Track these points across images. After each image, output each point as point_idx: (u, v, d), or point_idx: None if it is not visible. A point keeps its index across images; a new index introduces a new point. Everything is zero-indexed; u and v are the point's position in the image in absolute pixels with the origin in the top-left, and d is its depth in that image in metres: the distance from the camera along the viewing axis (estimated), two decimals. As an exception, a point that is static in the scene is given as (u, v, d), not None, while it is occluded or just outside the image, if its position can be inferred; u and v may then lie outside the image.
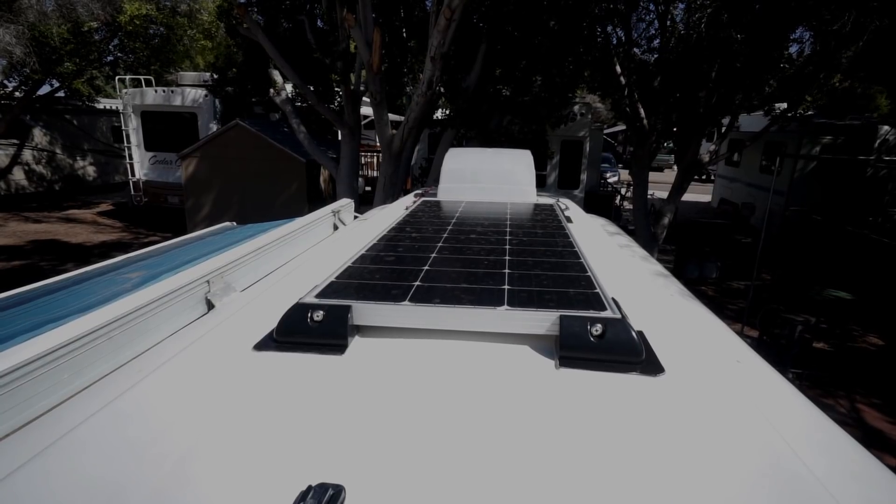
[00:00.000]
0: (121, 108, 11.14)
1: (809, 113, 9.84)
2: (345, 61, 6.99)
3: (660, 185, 14.26)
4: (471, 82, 6.73)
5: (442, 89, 6.91)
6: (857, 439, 0.76)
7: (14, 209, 12.27)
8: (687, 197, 10.60)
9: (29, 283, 1.60)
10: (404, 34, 7.90)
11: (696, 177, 9.27)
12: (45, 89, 12.52)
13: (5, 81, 12.03)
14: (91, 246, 9.57)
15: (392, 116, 8.38)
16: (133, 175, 11.20)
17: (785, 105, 7.94)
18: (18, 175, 13.54)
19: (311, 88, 7.34)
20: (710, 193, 16.62)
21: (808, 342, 5.24)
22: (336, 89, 8.76)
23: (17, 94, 12.09)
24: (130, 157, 11.12)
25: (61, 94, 13.45)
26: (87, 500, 0.58)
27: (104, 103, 15.86)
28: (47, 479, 0.62)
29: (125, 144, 11.08)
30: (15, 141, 13.17)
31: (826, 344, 6.04)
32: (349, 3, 6.19)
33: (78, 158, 14.95)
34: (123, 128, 11.03)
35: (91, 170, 15.39)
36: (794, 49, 7.65)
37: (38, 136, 13.83)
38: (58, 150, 14.33)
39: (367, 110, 8.11)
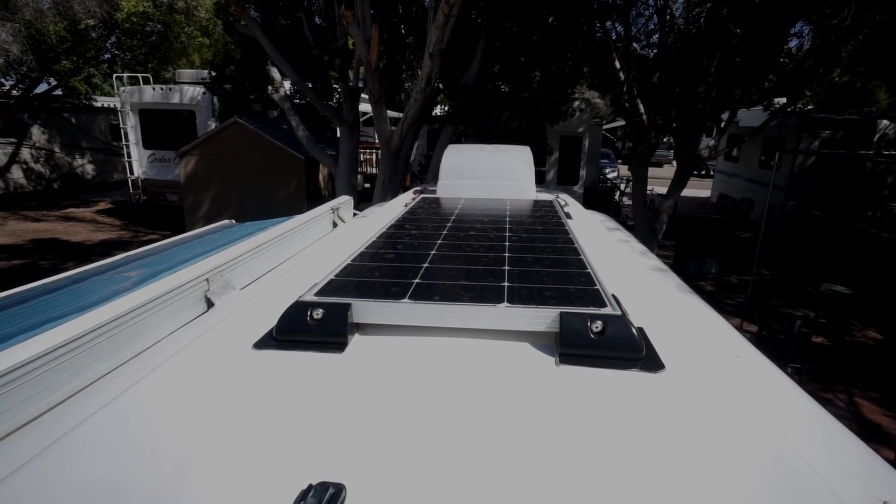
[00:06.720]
0: (119, 106, 11.10)
1: (809, 108, 9.83)
2: (343, 58, 6.96)
3: (659, 180, 14.24)
4: (469, 78, 6.71)
5: (441, 85, 6.89)
6: (855, 433, 0.76)
7: (13, 208, 12.23)
8: (686, 192, 10.58)
9: (30, 282, 1.60)
10: (403, 30, 7.86)
11: (695, 172, 9.27)
12: (42, 87, 12.48)
13: (2, 80, 11.98)
14: (91, 244, 9.56)
15: (391, 113, 8.35)
16: (131, 173, 11.17)
17: (784, 100, 7.93)
18: (17, 174, 13.49)
19: (310, 85, 7.32)
20: (710, 189, 16.60)
21: (807, 337, 5.24)
22: (334, 86, 8.73)
23: (14, 92, 12.03)
24: (129, 156, 11.08)
25: (59, 92, 13.38)
26: (87, 500, 0.58)
27: (102, 101, 15.78)
28: (47, 478, 0.62)
29: (123, 142, 11.03)
30: (13, 139, 13.13)
31: (825, 338, 6.05)
32: (347, 0, 6.17)
33: (76, 157, 14.88)
34: (121, 126, 10.98)
35: (89, 168, 15.34)
36: (793, 43, 7.64)
37: (36, 134, 13.77)
38: (56, 149, 14.27)
39: (365, 107, 8.09)
